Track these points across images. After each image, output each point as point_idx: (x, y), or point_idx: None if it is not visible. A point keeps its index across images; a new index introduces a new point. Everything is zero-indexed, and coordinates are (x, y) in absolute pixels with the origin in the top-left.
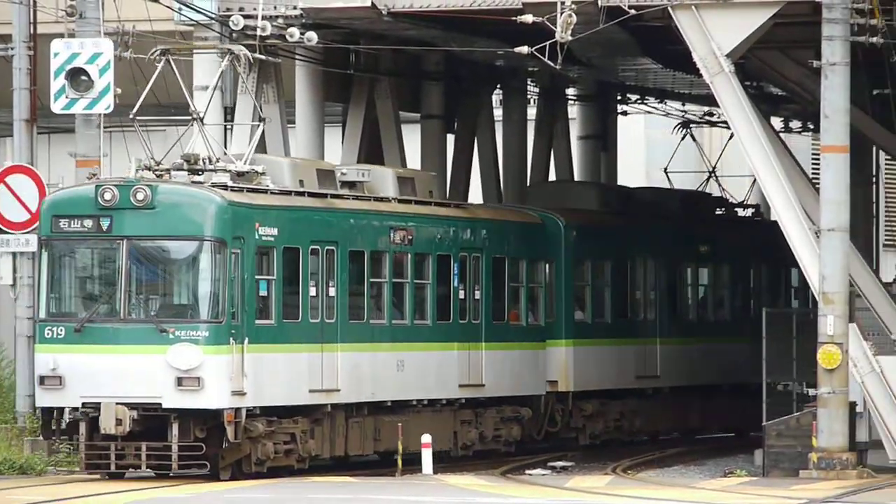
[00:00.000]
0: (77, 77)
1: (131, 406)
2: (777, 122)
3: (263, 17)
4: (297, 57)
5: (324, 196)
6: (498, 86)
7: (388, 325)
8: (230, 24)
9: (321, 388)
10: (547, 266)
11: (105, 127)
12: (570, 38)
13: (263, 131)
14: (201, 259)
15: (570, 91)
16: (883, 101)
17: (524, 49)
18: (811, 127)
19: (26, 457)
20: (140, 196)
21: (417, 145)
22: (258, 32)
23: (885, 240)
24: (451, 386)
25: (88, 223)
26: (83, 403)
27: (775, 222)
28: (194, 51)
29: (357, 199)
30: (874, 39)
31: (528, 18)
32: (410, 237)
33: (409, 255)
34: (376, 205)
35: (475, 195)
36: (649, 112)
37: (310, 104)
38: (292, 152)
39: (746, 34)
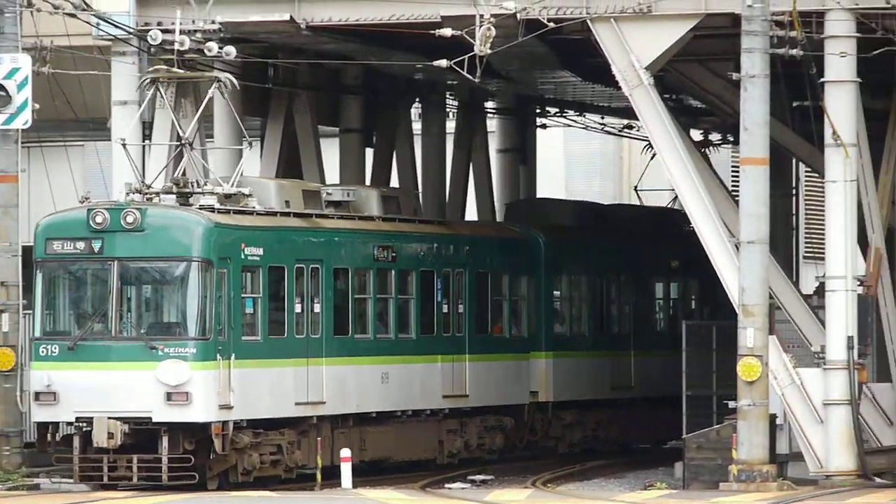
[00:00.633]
0: None
1: (123, 420)
2: (697, 135)
3: (182, 32)
4: (215, 71)
5: (309, 216)
6: (417, 99)
7: (372, 339)
8: (148, 38)
9: (307, 400)
10: (528, 281)
11: (23, 142)
12: (488, 51)
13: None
14: (189, 279)
15: (489, 104)
16: (803, 113)
17: (443, 62)
18: (731, 139)
19: None
20: (130, 219)
21: (336, 159)
22: (176, 47)
23: (805, 252)
24: (435, 397)
25: (80, 245)
26: (77, 418)
27: None
28: (184, 77)
29: (341, 219)
30: (794, 51)
31: (447, 32)
32: (394, 254)
33: (393, 272)
34: (360, 223)
35: None
36: (568, 125)
37: (228, 118)
38: (210, 167)
39: (665, 47)
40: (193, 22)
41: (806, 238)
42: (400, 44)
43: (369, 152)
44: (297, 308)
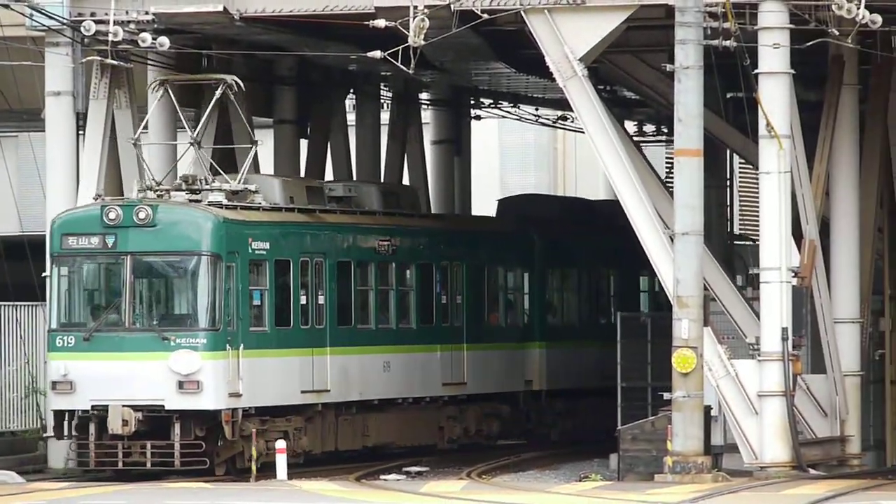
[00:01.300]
0: None
1: (136, 408)
2: (631, 127)
3: (115, 23)
4: (149, 62)
5: (312, 211)
6: (351, 90)
7: (374, 329)
8: (82, 29)
9: (312, 388)
10: (522, 274)
11: None
12: (422, 42)
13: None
14: (199, 272)
15: (424, 95)
16: (737, 105)
17: (377, 54)
18: (665, 131)
19: None
20: (142, 215)
21: (271, 150)
22: (110, 38)
23: (739, 243)
24: (435, 384)
25: (95, 240)
26: (92, 406)
27: None
28: (190, 79)
29: (344, 214)
30: (727, 43)
31: (381, 23)
32: (394, 247)
33: (394, 265)
34: (362, 218)
35: None
36: (503, 117)
37: (162, 109)
38: (145, 158)
39: (599, 38)
40: (127, 13)
41: (740, 229)
42: (334, 35)
43: (304, 143)
44: (303, 300)
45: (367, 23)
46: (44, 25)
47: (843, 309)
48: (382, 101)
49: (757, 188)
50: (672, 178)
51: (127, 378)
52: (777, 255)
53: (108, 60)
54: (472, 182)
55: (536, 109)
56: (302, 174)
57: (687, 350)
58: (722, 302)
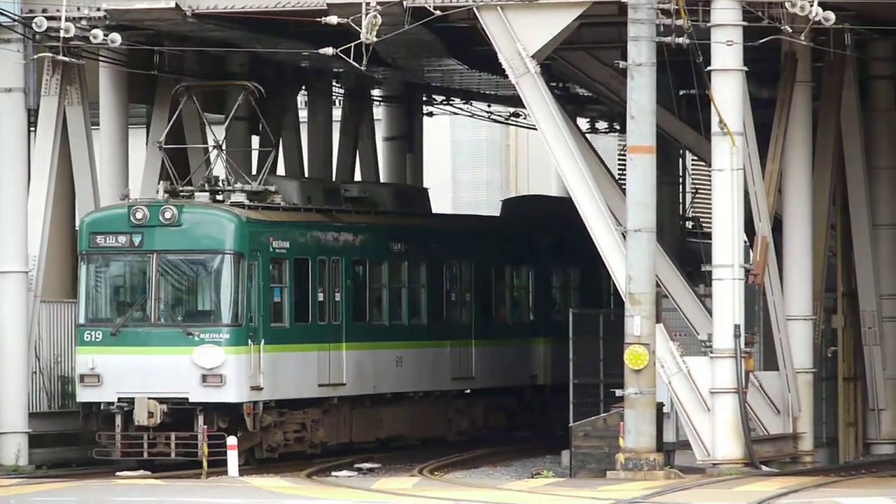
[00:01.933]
0: None
1: (161, 400)
2: (583, 123)
3: (67, 19)
4: (100, 59)
5: (329, 211)
6: (303, 87)
7: (387, 325)
8: (33, 25)
9: (329, 382)
10: (527, 272)
11: None
12: (375, 39)
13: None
14: (223, 270)
15: (376, 92)
16: (689, 102)
17: (329, 50)
18: (617, 128)
19: None
20: (168, 215)
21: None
22: (61, 34)
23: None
24: (445, 379)
25: (122, 239)
26: (119, 398)
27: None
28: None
29: (359, 214)
30: (680, 40)
31: (333, 19)
32: (407, 247)
33: (406, 263)
34: (376, 218)
35: None
36: (455, 113)
37: (114, 106)
38: (96, 155)
39: (552, 35)
40: (79, 9)
41: (691, 227)
42: (286, 31)
43: (255, 140)
44: (320, 297)
45: (319, 19)
46: None
47: (795, 306)
48: (334, 97)
49: (710, 186)
50: (625, 174)
51: (152, 372)
52: (730, 252)
53: (60, 57)
54: (424, 179)
55: (489, 106)
56: (253, 171)
57: (639, 347)
58: (674, 299)
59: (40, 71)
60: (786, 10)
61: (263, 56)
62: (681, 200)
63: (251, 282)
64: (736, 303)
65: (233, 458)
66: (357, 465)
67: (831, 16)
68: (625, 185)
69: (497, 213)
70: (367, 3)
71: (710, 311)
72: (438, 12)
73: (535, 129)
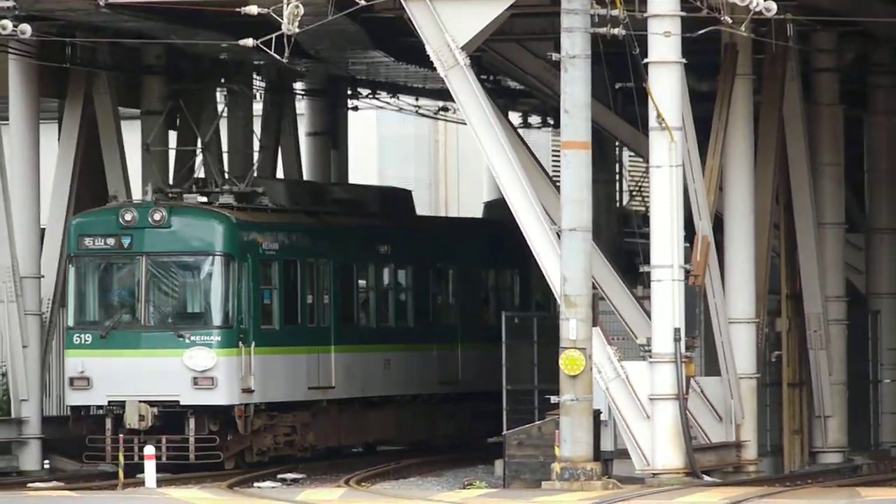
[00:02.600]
0: None
1: (152, 403)
2: (515, 118)
3: None
4: (9, 50)
5: (317, 214)
6: (222, 80)
7: (375, 327)
8: None
9: (318, 385)
10: (511, 274)
11: None
12: (297, 30)
13: None
14: (213, 272)
15: (299, 86)
16: (626, 95)
17: (249, 42)
18: (551, 122)
19: None
20: (157, 216)
21: (138, 142)
22: None
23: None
24: (431, 382)
25: (111, 241)
26: (109, 402)
27: None
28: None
29: (345, 216)
30: (616, 31)
31: (253, 10)
32: (393, 249)
33: (392, 266)
34: (362, 220)
35: None
36: (381, 107)
37: (24, 99)
38: (5, 150)
39: (482, 26)
40: None
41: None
42: (204, 22)
43: (172, 135)
44: (309, 299)
45: (238, 9)
46: None
47: (738, 308)
48: (255, 91)
49: (647, 183)
50: (559, 171)
51: (143, 374)
52: (669, 252)
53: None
54: (349, 175)
55: (416, 100)
56: (171, 167)
57: (575, 351)
58: (612, 301)
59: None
60: (726, 0)
61: (180, 48)
62: (617, 198)
63: (241, 283)
64: (676, 305)
65: (150, 468)
66: (280, 476)
67: (773, 6)
68: (559, 182)
69: (472, 216)
70: None
71: (648, 314)
72: (363, 2)
73: (465, 123)
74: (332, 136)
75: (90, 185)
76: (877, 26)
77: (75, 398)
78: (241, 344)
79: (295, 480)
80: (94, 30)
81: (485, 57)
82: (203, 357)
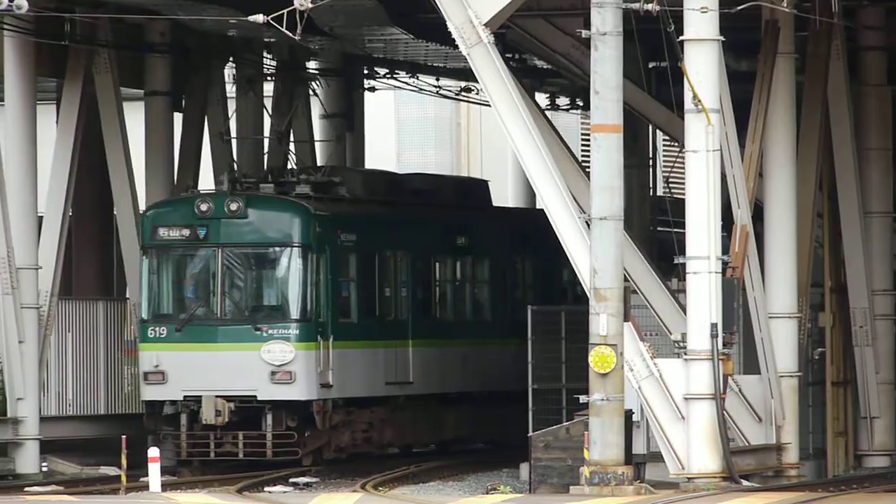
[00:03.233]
0: None
1: (229, 398)
2: (542, 99)
3: None
4: (5, 27)
5: (394, 204)
6: (231, 59)
7: (453, 321)
8: None
9: (395, 380)
10: None
11: None
12: (310, 5)
13: None
14: (291, 264)
15: (312, 65)
16: (660, 75)
17: (259, 18)
18: (580, 104)
19: None
20: (233, 206)
21: (141, 124)
22: None
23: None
24: (509, 379)
25: (186, 232)
26: (185, 397)
27: None
28: None
29: (423, 207)
30: (649, 6)
31: None
32: (471, 240)
33: (469, 258)
34: (439, 211)
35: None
36: (400, 88)
37: (20, 79)
38: (0, 133)
39: (507, 1)
40: None
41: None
42: None
43: (178, 117)
44: (387, 292)
45: None
46: None
47: (778, 302)
48: (266, 70)
49: (683, 169)
50: (589, 156)
51: (219, 369)
52: (705, 242)
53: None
54: (365, 161)
55: (437, 80)
56: (176, 151)
57: (605, 348)
58: (644, 294)
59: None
60: None
61: (187, 24)
62: (651, 185)
63: (319, 276)
64: (713, 299)
65: (154, 471)
66: (292, 480)
67: None
68: (589, 167)
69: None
70: None
71: (683, 309)
72: None
73: (489, 105)
74: (348, 119)
75: (90, 169)
76: None
77: (150, 393)
78: (319, 338)
79: (308, 485)
80: (95, 5)
81: (510, 34)
82: (281, 351)
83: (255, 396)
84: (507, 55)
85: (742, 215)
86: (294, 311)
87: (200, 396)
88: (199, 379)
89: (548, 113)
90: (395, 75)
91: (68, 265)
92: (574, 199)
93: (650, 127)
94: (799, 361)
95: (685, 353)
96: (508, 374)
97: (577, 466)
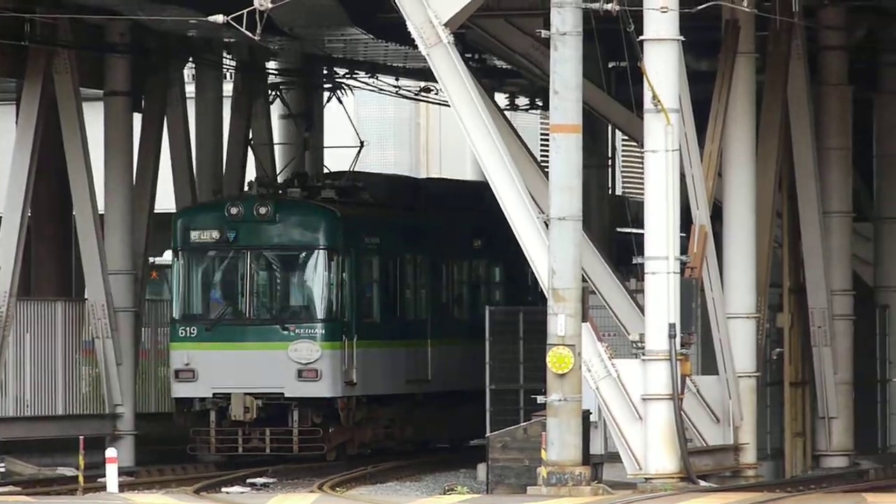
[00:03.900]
0: None
1: (257, 395)
2: (502, 99)
3: None
4: None
5: (413, 209)
6: (190, 59)
7: (469, 322)
8: None
9: (415, 378)
10: None
11: None
12: (270, 5)
13: None
14: (317, 266)
15: (272, 65)
16: (620, 75)
17: (219, 18)
18: (539, 104)
19: None
20: (262, 210)
21: (101, 125)
22: None
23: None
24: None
25: (216, 234)
26: (214, 394)
27: None
28: None
29: (441, 211)
30: (609, 6)
31: None
32: (488, 244)
33: (485, 261)
34: (457, 215)
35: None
36: (359, 88)
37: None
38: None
39: (467, 1)
40: None
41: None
42: None
43: (137, 118)
44: (407, 293)
45: None
46: None
47: (737, 303)
48: (225, 70)
49: (642, 168)
50: (547, 156)
51: (248, 367)
52: (664, 242)
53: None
54: (324, 160)
55: (397, 80)
56: (135, 151)
57: (563, 349)
58: (603, 295)
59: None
60: None
61: (146, 24)
62: (610, 185)
63: (344, 277)
64: (671, 299)
65: (112, 471)
66: (250, 480)
67: None
68: (548, 168)
69: None
70: None
71: (642, 309)
72: None
73: (448, 105)
74: (307, 119)
75: (50, 170)
76: (889, 0)
77: (180, 390)
78: (343, 337)
79: (265, 485)
80: (55, 5)
81: (469, 34)
82: (307, 349)
83: (283, 393)
84: (467, 55)
85: (701, 215)
86: (320, 311)
87: (230, 393)
88: (228, 377)
89: (507, 113)
90: (354, 75)
91: (27, 266)
92: (533, 199)
93: (609, 127)
94: (757, 362)
95: (643, 354)
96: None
97: (534, 467)
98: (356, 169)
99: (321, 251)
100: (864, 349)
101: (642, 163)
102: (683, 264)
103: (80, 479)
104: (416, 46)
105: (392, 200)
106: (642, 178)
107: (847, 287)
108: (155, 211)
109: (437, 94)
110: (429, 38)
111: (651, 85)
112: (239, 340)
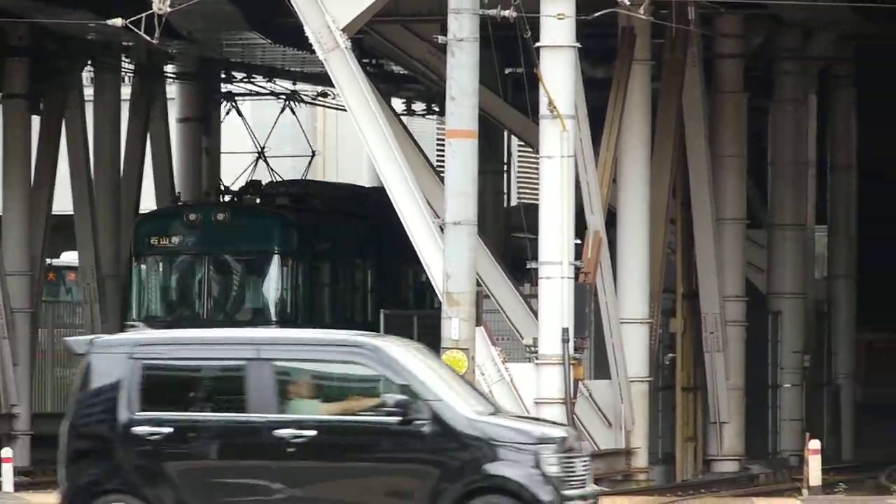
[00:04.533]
0: None
1: None
2: (399, 104)
3: None
4: None
5: (363, 216)
6: (89, 62)
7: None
8: None
9: None
10: None
11: None
12: (168, 9)
13: None
14: (271, 270)
15: (170, 68)
16: (516, 82)
17: (118, 21)
18: (436, 109)
19: None
20: (220, 217)
21: None
22: None
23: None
24: None
25: (175, 239)
26: None
27: None
28: None
29: (387, 218)
30: (506, 13)
31: None
32: None
33: None
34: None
35: (63, 184)
36: (257, 92)
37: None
38: None
39: (365, 6)
40: None
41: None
42: (71, 0)
43: (36, 120)
44: (357, 297)
45: None
46: None
47: (630, 308)
48: (124, 74)
49: (537, 174)
50: (443, 161)
51: None
52: (558, 248)
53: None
54: (221, 163)
55: (294, 84)
56: (33, 154)
57: (457, 352)
58: (497, 299)
59: None
60: None
61: (45, 27)
62: (505, 191)
63: (298, 281)
64: (565, 304)
65: (7, 471)
66: None
67: None
68: (443, 172)
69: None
70: None
71: (535, 313)
72: None
73: (345, 110)
74: (205, 123)
75: None
76: (784, 9)
77: None
78: None
79: None
80: None
81: (367, 39)
82: None
83: None
84: (365, 60)
85: (595, 221)
86: (274, 313)
87: None
88: None
89: (404, 118)
90: (252, 79)
91: None
92: (428, 203)
93: (506, 133)
94: (650, 366)
95: (536, 358)
96: None
97: None
98: (307, 178)
99: (274, 256)
100: (756, 355)
101: (538, 169)
102: (577, 269)
103: None
104: (313, 51)
105: (342, 208)
106: (538, 184)
107: (740, 293)
108: (53, 213)
109: (334, 98)
110: (326, 44)
111: (547, 91)
112: None
